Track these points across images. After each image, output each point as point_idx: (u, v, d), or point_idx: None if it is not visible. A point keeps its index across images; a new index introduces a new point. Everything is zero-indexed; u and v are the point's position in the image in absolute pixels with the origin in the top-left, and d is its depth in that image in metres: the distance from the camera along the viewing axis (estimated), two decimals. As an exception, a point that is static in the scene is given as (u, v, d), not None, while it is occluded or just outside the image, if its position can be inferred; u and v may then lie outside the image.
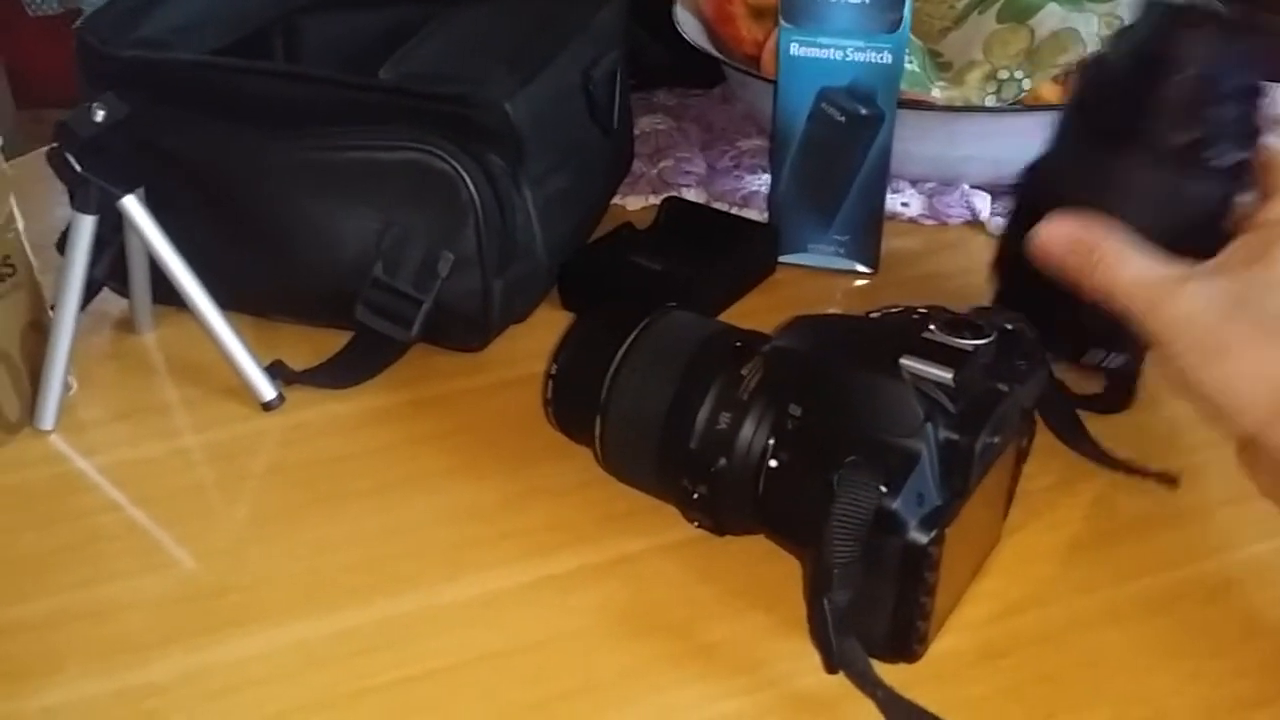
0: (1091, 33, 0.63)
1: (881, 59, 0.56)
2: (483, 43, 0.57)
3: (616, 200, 0.70)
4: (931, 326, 0.41)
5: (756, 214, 0.67)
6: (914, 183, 0.69)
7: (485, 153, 0.52)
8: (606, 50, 0.59)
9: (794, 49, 0.57)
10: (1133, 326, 0.40)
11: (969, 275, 0.64)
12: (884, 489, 0.37)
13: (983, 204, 0.67)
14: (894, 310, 0.44)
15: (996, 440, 0.39)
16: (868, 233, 0.62)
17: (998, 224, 0.66)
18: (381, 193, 0.52)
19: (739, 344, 0.43)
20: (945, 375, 0.38)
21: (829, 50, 0.56)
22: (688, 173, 0.72)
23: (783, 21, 0.56)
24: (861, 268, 0.63)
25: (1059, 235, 0.42)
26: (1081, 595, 0.42)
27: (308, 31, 0.65)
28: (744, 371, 0.42)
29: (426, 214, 0.52)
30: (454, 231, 0.52)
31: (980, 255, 0.66)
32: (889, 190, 0.68)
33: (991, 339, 0.41)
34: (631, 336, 0.44)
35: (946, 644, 0.40)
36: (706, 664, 0.40)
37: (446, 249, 0.52)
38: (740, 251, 0.62)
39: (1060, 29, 0.64)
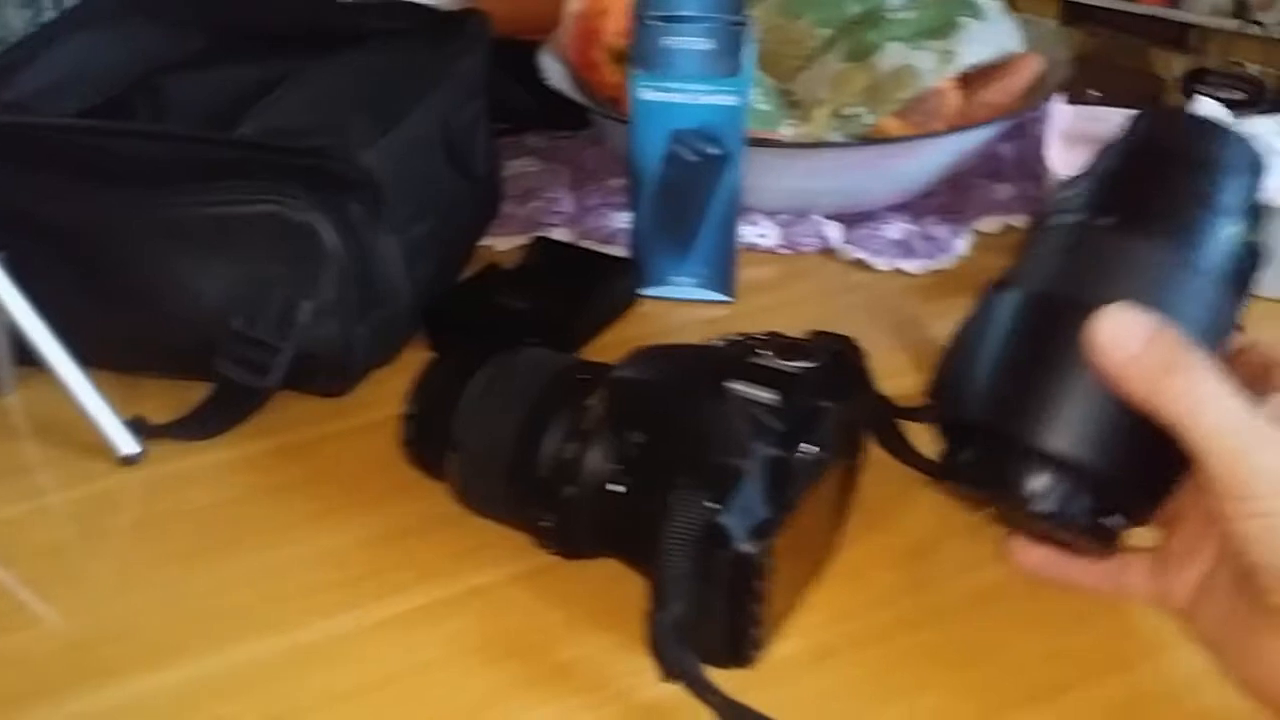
0: (928, 68, 0.67)
1: (727, 101, 0.59)
2: (342, 95, 0.58)
3: (487, 241, 0.71)
4: (763, 351, 0.44)
5: (622, 250, 0.70)
6: (770, 215, 0.72)
7: (346, 202, 0.54)
8: (468, 99, 0.61)
9: (645, 94, 0.60)
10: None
11: (822, 299, 0.68)
12: (714, 505, 0.39)
13: (834, 233, 0.71)
14: (734, 338, 0.47)
15: (822, 455, 0.42)
16: (724, 264, 0.65)
17: (849, 251, 0.70)
18: (241, 246, 0.53)
19: (584, 376, 0.45)
20: (769, 396, 0.40)
21: (678, 94, 0.59)
22: (556, 212, 0.75)
23: (632, 68, 0.59)
24: (720, 297, 0.66)
25: (1134, 332, 0.35)
26: (910, 596, 0.45)
27: (170, 91, 0.66)
28: (589, 403, 0.44)
29: (286, 265, 0.53)
30: (313, 281, 0.53)
31: (833, 279, 0.70)
32: (747, 223, 0.72)
33: (818, 362, 0.43)
34: (481, 374, 0.46)
35: (782, 649, 0.42)
36: (556, 685, 0.42)
37: (306, 298, 0.53)
38: (602, 287, 0.65)
39: (899, 66, 0.68)
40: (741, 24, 0.56)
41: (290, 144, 0.54)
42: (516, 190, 0.78)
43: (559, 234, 0.73)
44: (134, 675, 0.42)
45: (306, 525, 0.50)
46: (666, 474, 0.40)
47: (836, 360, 0.46)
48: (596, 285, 0.65)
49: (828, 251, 0.71)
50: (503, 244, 0.72)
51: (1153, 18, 2.34)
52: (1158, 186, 0.38)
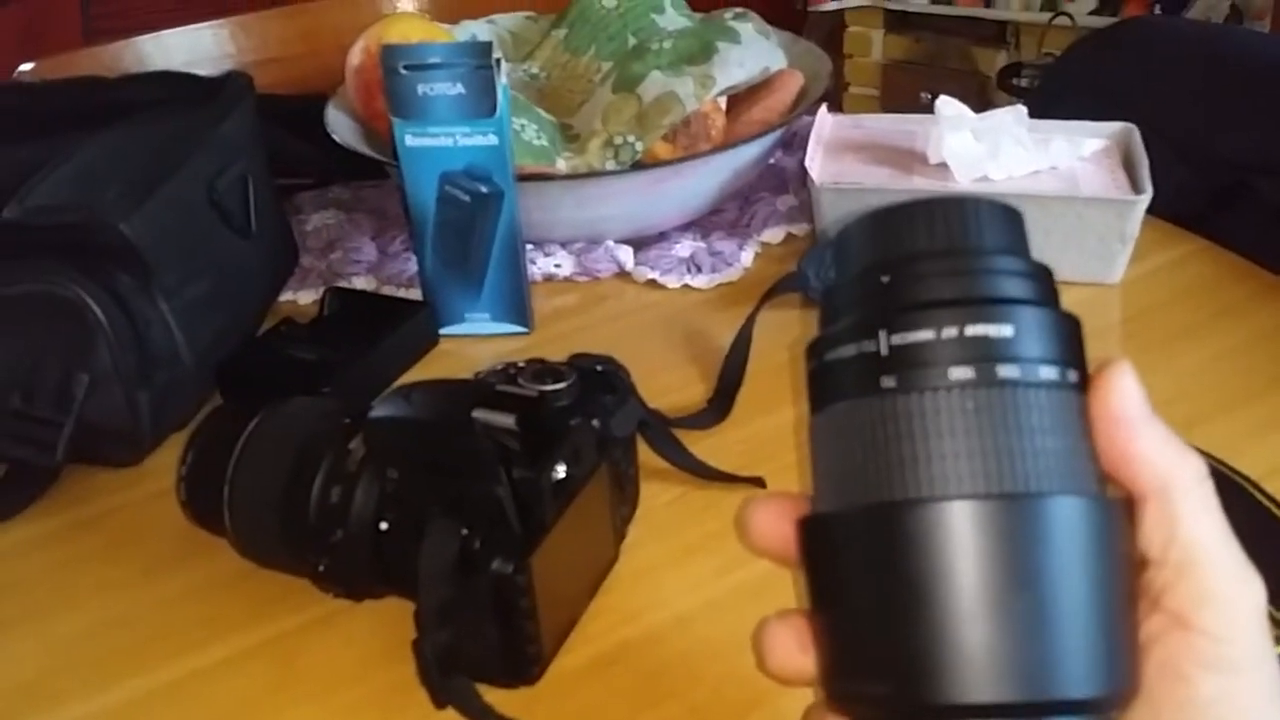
0: (689, 93, 0.71)
1: (488, 141, 0.61)
2: (102, 171, 0.59)
3: (288, 296, 0.72)
4: (519, 378, 0.46)
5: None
6: (564, 245, 0.75)
7: (114, 273, 0.55)
8: (232, 161, 0.62)
9: (409, 140, 0.62)
10: None
11: (617, 321, 0.71)
12: (466, 531, 0.41)
13: (626, 256, 0.73)
14: (498, 366, 0.49)
15: (575, 470, 0.44)
16: (515, 296, 0.67)
17: (642, 273, 0.73)
18: (10, 327, 0.53)
19: (349, 420, 0.47)
20: (509, 420, 0.42)
21: (440, 138, 0.61)
22: (357, 261, 0.76)
23: (393, 117, 0.61)
24: (517, 329, 0.68)
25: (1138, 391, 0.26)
26: (687, 595, 0.48)
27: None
28: (352, 446, 0.45)
29: (57, 340, 0.53)
30: (86, 352, 0.53)
31: (629, 301, 0.72)
32: (543, 254, 0.74)
33: (568, 382, 0.46)
34: (248, 429, 0.47)
35: (567, 661, 0.44)
36: (346, 720, 0.43)
37: (80, 370, 0.53)
38: (400, 331, 0.66)
39: (662, 94, 0.71)
40: (489, 68, 0.58)
41: (52, 221, 0.54)
42: (318, 243, 0.79)
43: (361, 282, 0.74)
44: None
45: (99, 594, 0.50)
46: (424, 506, 0.42)
47: (593, 378, 0.48)
48: (394, 330, 0.66)
49: (623, 275, 0.74)
50: (305, 297, 0.73)
51: (971, 18, 2.45)
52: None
